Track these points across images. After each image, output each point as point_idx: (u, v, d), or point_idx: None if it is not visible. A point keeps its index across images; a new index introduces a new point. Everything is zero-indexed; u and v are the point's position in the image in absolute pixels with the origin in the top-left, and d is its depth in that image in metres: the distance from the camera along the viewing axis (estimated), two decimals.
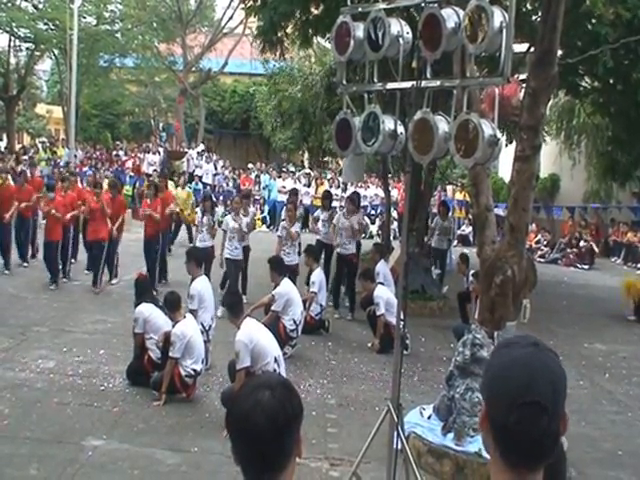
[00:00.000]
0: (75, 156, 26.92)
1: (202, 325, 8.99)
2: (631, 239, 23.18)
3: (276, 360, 7.35)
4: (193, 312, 8.98)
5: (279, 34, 13.64)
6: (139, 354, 8.54)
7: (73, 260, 14.73)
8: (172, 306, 8.24)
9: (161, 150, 29.31)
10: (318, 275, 11.52)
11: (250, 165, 31.85)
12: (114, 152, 30.87)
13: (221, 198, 26.24)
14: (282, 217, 14.01)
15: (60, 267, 13.61)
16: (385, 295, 10.55)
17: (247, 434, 1.97)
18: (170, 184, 18.82)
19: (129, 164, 28.58)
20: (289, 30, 14.09)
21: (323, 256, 13.30)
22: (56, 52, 34.08)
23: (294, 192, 17.56)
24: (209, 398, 8.10)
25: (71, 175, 16.27)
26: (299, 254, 12.78)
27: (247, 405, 1.96)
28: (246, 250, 12.88)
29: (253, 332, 7.33)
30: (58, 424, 7.03)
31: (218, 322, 9.41)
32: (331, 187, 26.54)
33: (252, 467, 2.00)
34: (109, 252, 13.32)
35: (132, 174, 27.30)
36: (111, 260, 13.58)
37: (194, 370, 8.01)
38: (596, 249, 22.77)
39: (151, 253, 13.39)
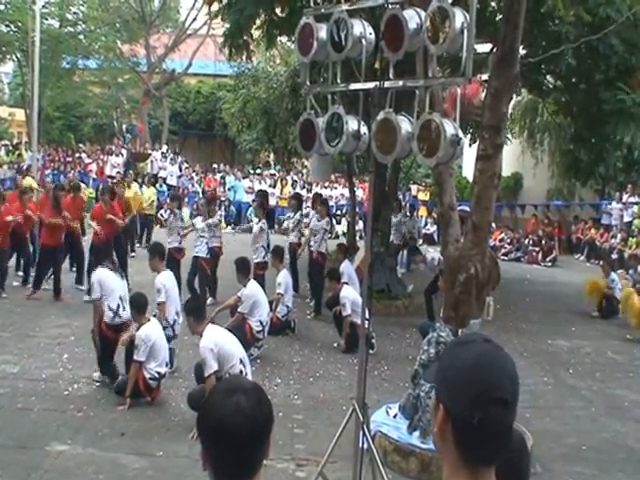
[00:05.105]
0: (37, 159, 26.59)
1: (166, 320, 9.01)
2: (593, 236, 23.47)
3: (242, 361, 7.35)
4: (160, 305, 9.01)
5: (245, 37, 13.62)
6: (98, 324, 8.56)
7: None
8: (139, 308, 8.17)
9: (124, 152, 29.04)
10: (284, 276, 11.51)
11: (215, 165, 31.64)
12: (77, 154, 30.54)
13: (186, 200, 26.03)
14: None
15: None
16: (351, 296, 10.57)
17: (227, 439, 1.96)
18: (135, 185, 18.75)
19: (92, 167, 28.31)
20: (254, 31, 14.07)
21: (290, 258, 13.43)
22: (18, 54, 33.64)
23: (262, 193, 17.61)
24: (174, 401, 8.05)
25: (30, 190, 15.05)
26: (267, 252, 12.81)
27: (227, 410, 1.96)
28: (215, 251, 12.89)
29: (216, 337, 7.33)
30: (22, 429, 6.94)
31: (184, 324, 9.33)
32: (295, 188, 26.62)
33: (227, 471, 2.00)
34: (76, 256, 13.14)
35: (95, 177, 27.06)
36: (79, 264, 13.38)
37: (158, 373, 7.96)
38: (556, 250, 23.02)
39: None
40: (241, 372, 7.21)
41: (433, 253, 11.94)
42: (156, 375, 7.94)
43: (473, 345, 1.75)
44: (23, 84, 34.64)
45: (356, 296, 10.44)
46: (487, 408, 1.65)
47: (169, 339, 8.79)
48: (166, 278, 9.41)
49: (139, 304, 8.20)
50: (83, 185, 20.09)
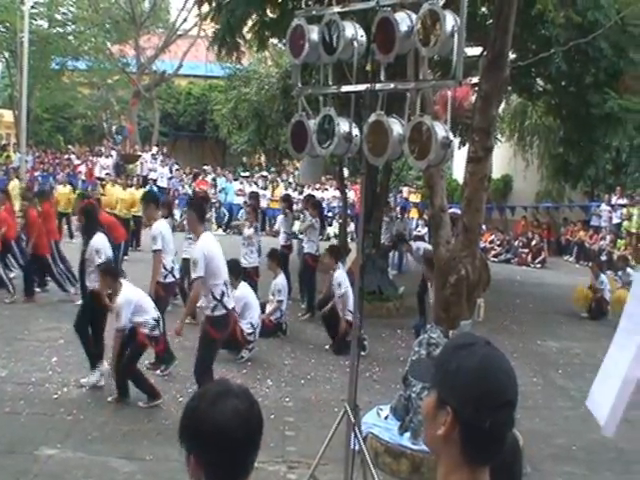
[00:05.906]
0: (26, 161, 26.45)
1: (164, 267, 9.19)
2: (583, 238, 23.56)
3: (225, 284, 7.42)
4: (157, 252, 9.12)
5: (236, 38, 13.58)
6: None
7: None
8: (113, 275, 8.30)
9: (114, 153, 28.93)
10: (282, 281, 11.54)
11: (205, 167, 31.52)
12: (66, 156, 30.42)
13: (176, 202, 25.88)
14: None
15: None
16: (345, 281, 10.68)
17: (224, 443, 1.96)
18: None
19: (82, 168, 28.21)
20: (245, 33, 14.04)
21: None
22: (6, 55, 33.49)
23: (254, 195, 17.60)
24: (165, 404, 8.01)
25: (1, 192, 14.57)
26: (259, 256, 12.79)
27: (224, 414, 1.96)
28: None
29: (211, 246, 7.43)
30: (10, 434, 6.90)
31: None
32: (287, 189, 26.62)
33: (221, 475, 2.01)
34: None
35: (84, 179, 26.95)
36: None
37: (154, 319, 8.12)
38: (545, 252, 23.08)
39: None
40: (223, 293, 7.29)
41: (419, 243, 11.89)
42: (154, 323, 8.10)
43: (476, 348, 1.75)
44: (11, 85, 34.41)
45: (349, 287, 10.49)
46: (498, 412, 1.68)
47: (172, 285, 9.40)
48: (163, 226, 9.51)
49: (112, 272, 8.33)
50: (69, 188, 19.97)
